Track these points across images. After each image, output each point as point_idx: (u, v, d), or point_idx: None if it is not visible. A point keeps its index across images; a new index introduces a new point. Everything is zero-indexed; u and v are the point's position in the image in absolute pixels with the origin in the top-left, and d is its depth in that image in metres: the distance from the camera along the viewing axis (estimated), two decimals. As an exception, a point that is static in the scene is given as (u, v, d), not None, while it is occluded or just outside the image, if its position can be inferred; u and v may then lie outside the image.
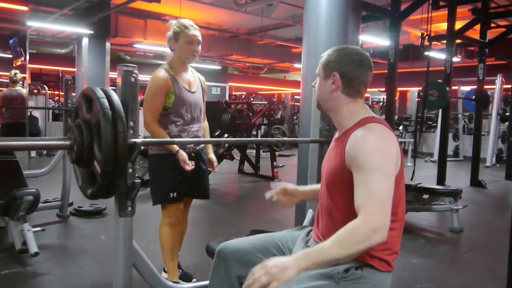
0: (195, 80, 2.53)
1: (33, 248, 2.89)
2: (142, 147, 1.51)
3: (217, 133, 7.27)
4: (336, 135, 1.55)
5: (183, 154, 2.33)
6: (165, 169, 2.43)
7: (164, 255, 2.51)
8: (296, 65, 13.99)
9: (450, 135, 10.73)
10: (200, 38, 2.43)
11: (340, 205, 1.42)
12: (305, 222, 2.00)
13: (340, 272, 1.36)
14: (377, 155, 1.31)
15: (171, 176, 2.41)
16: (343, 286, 1.35)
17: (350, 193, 1.35)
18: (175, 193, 2.44)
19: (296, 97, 17.08)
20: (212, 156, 2.63)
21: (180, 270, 2.68)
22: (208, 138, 2.73)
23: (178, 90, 2.40)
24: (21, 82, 6.70)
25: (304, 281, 1.35)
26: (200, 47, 2.45)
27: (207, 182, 2.66)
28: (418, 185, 4.37)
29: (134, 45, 11.27)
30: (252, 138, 8.77)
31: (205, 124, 2.68)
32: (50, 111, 10.77)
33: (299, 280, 1.37)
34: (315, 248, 1.25)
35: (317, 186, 1.73)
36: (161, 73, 2.39)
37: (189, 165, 2.33)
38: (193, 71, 2.57)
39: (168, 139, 2.39)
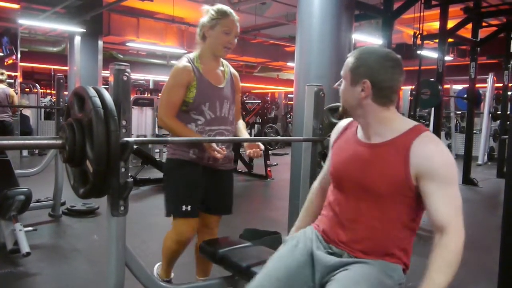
0: (224, 75, 2.22)
1: (24, 248, 2.87)
2: (135, 146, 1.50)
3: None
4: (367, 139, 1.43)
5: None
6: (180, 178, 2.14)
7: (162, 258, 2.35)
8: (290, 64, 13.98)
9: (443, 133, 10.79)
10: (238, 30, 2.16)
11: (389, 215, 1.37)
12: None
13: (400, 277, 1.41)
14: (453, 165, 1.32)
15: (186, 186, 2.12)
16: None
17: (406, 204, 1.36)
18: (188, 206, 2.10)
19: (289, 95, 17.09)
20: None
21: None
22: (206, 138, 2.30)
23: (202, 84, 2.10)
24: (7, 81, 6.64)
25: (366, 276, 1.33)
26: (236, 40, 2.16)
27: (230, 196, 2.38)
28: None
29: (127, 44, 11.20)
30: (246, 137, 8.75)
31: (241, 122, 2.38)
32: (42, 110, 10.69)
33: (359, 273, 1.34)
34: (436, 281, 1.27)
35: (307, 212, 1.69)
36: (182, 63, 2.11)
37: (220, 152, 2.01)
38: (224, 65, 2.26)
39: (162, 138, 2.28)
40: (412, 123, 1.39)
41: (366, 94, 1.36)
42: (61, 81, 4.01)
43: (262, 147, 2.19)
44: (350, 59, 1.41)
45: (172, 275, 2.45)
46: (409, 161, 1.31)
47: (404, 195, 1.34)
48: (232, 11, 2.16)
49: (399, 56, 1.40)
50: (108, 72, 1.55)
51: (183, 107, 2.12)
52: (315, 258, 1.45)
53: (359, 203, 1.40)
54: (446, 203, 1.28)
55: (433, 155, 1.30)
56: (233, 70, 2.31)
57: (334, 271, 1.39)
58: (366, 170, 1.39)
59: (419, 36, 5.85)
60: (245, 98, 11.39)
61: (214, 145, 2.02)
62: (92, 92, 1.44)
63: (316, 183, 1.74)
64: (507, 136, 7.69)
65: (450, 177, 1.29)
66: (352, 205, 1.42)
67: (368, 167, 1.39)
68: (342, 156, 1.49)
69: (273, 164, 7.69)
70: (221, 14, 2.12)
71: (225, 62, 2.28)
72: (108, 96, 1.45)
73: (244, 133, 2.37)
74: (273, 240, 2.16)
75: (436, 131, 6.94)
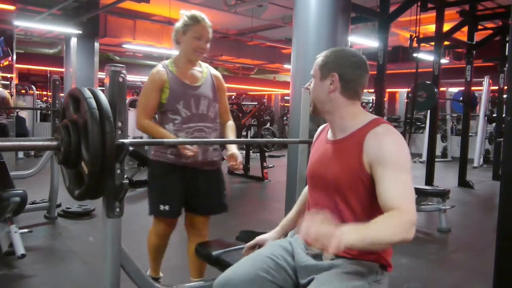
0: (202, 75, 2.29)
1: (20, 250, 2.86)
2: (131, 148, 1.50)
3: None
4: (333, 137, 1.50)
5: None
6: (158, 178, 2.23)
7: (148, 255, 2.49)
8: (286, 66, 14.01)
9: (439, 136, 10.83)
10: (210, 35, 2.23)
11: (355, 207, 1.39)
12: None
13: (374, 275, 1.37)
14: (405, 154, 1.34)
15: (163, 186, 2.22)
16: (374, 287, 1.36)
17: (366, 194, 1.36)
18: (166, 206, 2.20)
19: (286, 97, 17.11)
20: (234, 151, 2.22)
21: None
22: (201, 139, 2.32)
23: (174, 84, 2.19)
24: (1, 83, 6.69)
25: (336, 281, 1.33)
26: (208, 45, 2.24)
27: (216, 196, 2.35)
28: (406, 186, 4.40)
29: (123, 46, 11.20)
30: (242, 139, 8.76)
31: (229, 123, 2.43)
32: (38, 111, 10.66)
33: (329, 279, 1.34)
34: (362, 225, 1.19)
35: (292, 214, 1.74)
36: (156, 68, 2.23)
37: (191, 149, 2.08)
38: (202, 66, 2.33)
39: (157, 139, 2.24)
40: (372, 116, 1.45)
41: (334, 87, 1.44)
42: (57, 82, 4.00)
43: (240, 160, 2.21)
44: (319, 59, 1.50)
45: (161, 274, 2.54)
46: (363, 149, 1.36)
47: (364, 185, 1.36)
48: (204, 17, 2.24)
49: (364, 56, 1.49)
50: (104, 74, 1.54)
51: (160, 109, 2.22)
52: (295, 255, 1.50)
53: (329, 200, 1.46)
54: (396, 187, 1.28)
55: (385, 143, 1.34)
56: (213, 71, 2.37)
57: (308, 274, 1.42)
58: (329, 166, 1.46)
59: (415, 38, 5.88)
60: (241, 100, 11.39)
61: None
62: (87, 94, 1.43)
63: (307, 186, 1.76)
64: (503, 138, 7.72)
65: (401, 163, 1.31)
66: (324, 203, 1.47)
67: (330, 162, 1.47)
68: (315, 157, 1.57)
69: (270, 166, 7.69)
70: (193, 20, 2.20)
71: (204, 64, 2.36)
72: (103, 98, 1.45)
73: (229, 136, 2.40)
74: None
75: (432, 134, 6.97)
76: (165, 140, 2.15)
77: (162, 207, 2.20)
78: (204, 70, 2.32)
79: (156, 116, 2.32)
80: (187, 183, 2.23)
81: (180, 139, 2.19)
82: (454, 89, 11.24)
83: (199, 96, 2.23)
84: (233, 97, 15.30)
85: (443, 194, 4.37)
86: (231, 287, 1.40)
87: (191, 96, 2.21)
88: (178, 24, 2.24)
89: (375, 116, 1.46)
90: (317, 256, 1.45)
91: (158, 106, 2.22)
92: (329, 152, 1.49)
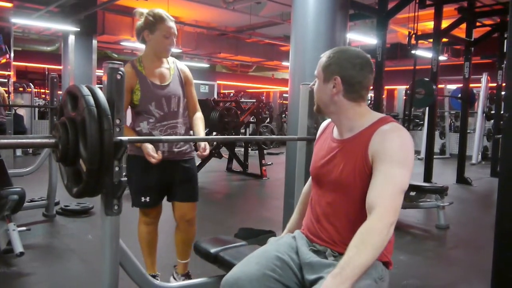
0: (170, 72, 2.34)
1: (18, 248, 2.85)
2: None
3: (205, 131, 7.27)
4: (340, 136, 1.49)
5: (147, 147, 2.14)
6: (137, 172, 2.30)
7: (142, 251, 2.54)
8: (285, 63, 13.99)
9: (437, 133, 10.84)
10: (176, 30, 2.30)
11: (360, 203, 1.38)
12: None
13: (378, 272, 1.37)
14: (406, 149, 1.32)
15: (142, 179, 2.31)
16: (380, 285, 1.36)
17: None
18: (147, 198, 2.35)
19: (284, 95, 17.11)
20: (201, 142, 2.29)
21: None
22: (196, 136, 2.48)
23: (145, 86, 2.25)
24: None
25: None
26: (174, 40, 2.30)
27: (192, 183, 2.45)
28: (405, 183, 4.41)
29: (122, 43, 11.16)
30: (241, 136, 8.76)
31: (198, 115, 2.46)
32: (36, 109, 10.63)
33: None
34: (343, 264, 1.19)
35: (294, 218, 1.76)
36: (125, 69, 2.20)
37: (155, 157, 2.12)
38: (170, 62, 2.37)
39: (155, 137, 2.29)
40: (380, 115, 1.44)
41: (337, 90, 1.43)
42: (55, 80, 3.99)
43: (207, 152, 2.25)
44: (322, 59, 1.48)
45: (159, 273, 2.57)
46: (368, 147, 1.36)
47: (370, 181, 1.36)
48: (168, 14, 2.27)
49: (368, 55, 1.47)
50: (102, 71, 1.54)
51: (134, 109, 2.30)
52: (299, 252, 1.51)
53: (335, 199, 1.45)
54: (383, 182, 1.28)
55: (389, 138, 1.33)
56: (180, 66, 2.41)
57: (314, 270, 1.43)
58: (335, 165, 1.45)
59: (414, 35, 5.89)
60: (240, 97, 11.38)
61: (150, 150, 2.13)
62: (85, 91, 1.43)
63: (306, 185, 1.78)
64: (501, 135, 7.72)
65: (398, 157, 1.30)
66: (329, 202, 1.47)
67: (337, 161, 1.45)
68: (319, 155, 1.56)
69: (268, 163, 7.69)
70: (159, 19, 2.23)
71: (171, 59, 2.39)
72: (101, 95, 1.44)
73: (199, 127, 2.44)
74: (268, 239, 2.16)
75: (430, 131, 6.98)
76: (163, 138, 2.24)
77: (143, 199, 2.35)
78: (171, 66, 2.36)
79: (130, 113, 2.36)
80: (164, 174, 2.33)
81: (175, 137, 2.33)
82: (453, 86, 11.25)
83: (169, 96, 2.30)
84: (232, 94, 15.32)
85: (441, 191, 4.38)
86: (240, 287, 1.41)
87: (161, 96, 2.28)
88: (141, 23, 2.26)
89: (383, 115, 1.44)
90: (320, 253, 1.46)
91: (131, 106, 2.29)
92: (336, 151, 1.48)
